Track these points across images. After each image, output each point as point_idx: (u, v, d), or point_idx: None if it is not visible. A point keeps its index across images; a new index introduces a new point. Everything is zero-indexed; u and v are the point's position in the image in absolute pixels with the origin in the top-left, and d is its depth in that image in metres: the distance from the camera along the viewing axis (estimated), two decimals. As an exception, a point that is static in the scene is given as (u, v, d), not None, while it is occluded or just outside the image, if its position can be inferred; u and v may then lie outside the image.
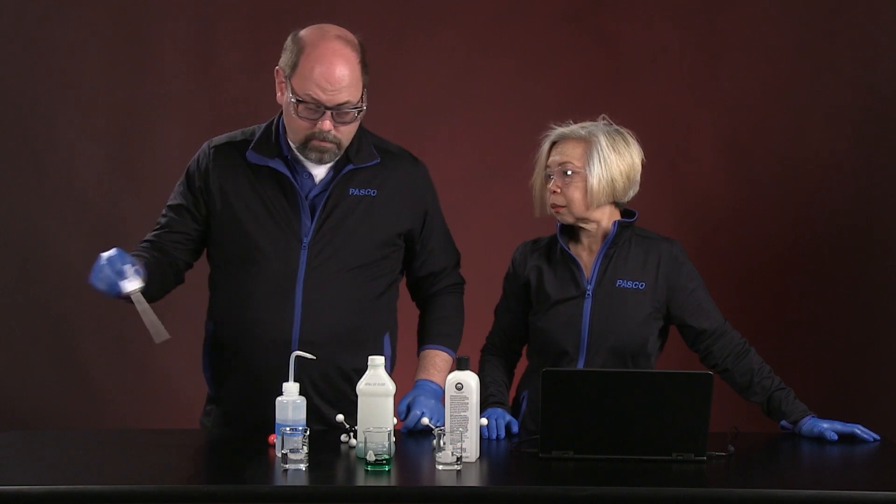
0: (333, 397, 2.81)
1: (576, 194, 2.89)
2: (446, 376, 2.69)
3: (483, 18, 4.57)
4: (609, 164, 2.88)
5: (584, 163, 2.89)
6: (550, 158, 2.93)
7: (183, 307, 4.55)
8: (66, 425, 4.44)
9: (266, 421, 2.62)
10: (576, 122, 2.96)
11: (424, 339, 3.01)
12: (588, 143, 2.90)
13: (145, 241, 2.94)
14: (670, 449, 2.52)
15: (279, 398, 2.57)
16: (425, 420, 2.75)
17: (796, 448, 2.75)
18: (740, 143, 4.50)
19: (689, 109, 4.50)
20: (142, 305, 2.65)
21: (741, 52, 4.49)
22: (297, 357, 2.62)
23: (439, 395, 2.88)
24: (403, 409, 2.82)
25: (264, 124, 2.93)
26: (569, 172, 2.88)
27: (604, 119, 2.95)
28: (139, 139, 4.61)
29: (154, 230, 2.96)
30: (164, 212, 2.99)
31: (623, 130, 2.94)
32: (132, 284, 2.66)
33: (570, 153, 2.90)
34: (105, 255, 2.65)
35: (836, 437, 2.75)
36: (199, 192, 2.90)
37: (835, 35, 4.43)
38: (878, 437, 2.77)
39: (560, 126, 2.96)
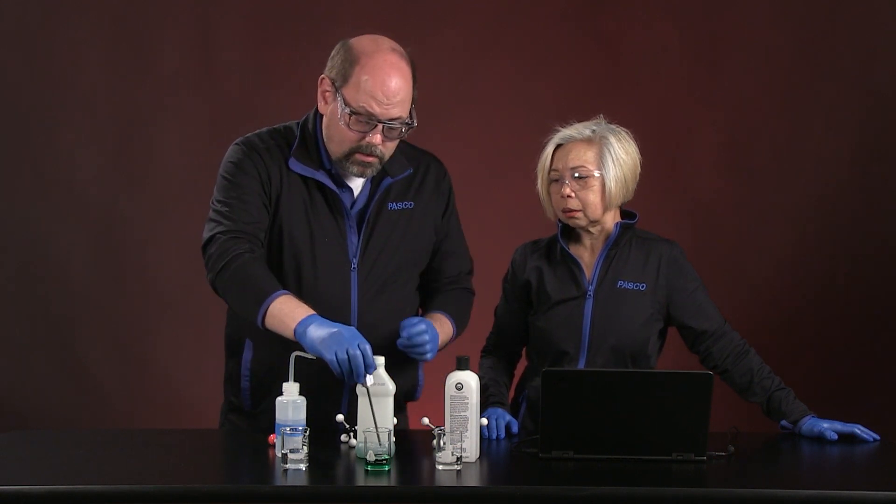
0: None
1: (591, 197, 2.87)
2: (445, 339, 2.74)
3: (483, 18, 4.57)
4: (622, 164, 2.89)
5: (599, 165, 2.87)
6: (557, 162, 2.89)
7: (183, 307, 4.57)
8: (66, 425, 4.44)
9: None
10: (576, 123, 2.94)
11: (428, 308, 2.90)
12: (598, 144, 2.88)
13: (242, 255, 2.68)
14: (670, 449, 2.52)
15: (279, 398, 2.57)
16: (425, 420, 2.74)
17: (796, 448, 2.75)
18: (740, 143, 4.51)
19: (689, 109, 4.50)
20: (370, 398, 2.54)
21: (741, 52, 4.50)
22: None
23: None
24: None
25: (296, 127, 2.83)
26: (580, 175, 2.86)
27: (604, 119, 2.95)
28: (139, 139, 4.61)
29: (230, 241, 2.71)
30: (224, 212, 2.74)
31: (622, 129, 2.94)
32: (371, 379, 2.54)
33: (582, 156, 2.87)
34: (359, 338, 2.53)
35: (836, 437, 2.75)
36: (262, 185, 2.75)
37: (835, 35, 4.44)
38: (878, 437, 2.76)
39: (563, 127, 2.93)
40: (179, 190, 4.56)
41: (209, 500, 2.28)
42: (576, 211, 2.87)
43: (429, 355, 2.72)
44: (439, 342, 2.79)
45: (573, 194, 2.86)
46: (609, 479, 2.39)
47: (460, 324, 2.91)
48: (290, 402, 2.56)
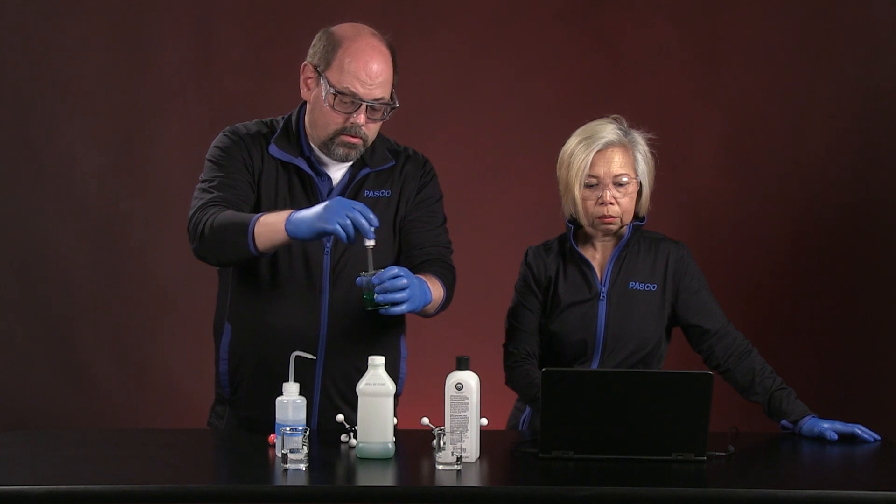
0: (355, 399, 2.74)
1: (628, 203, 2.87)
2: (437, 298, 2.73)
3: (483, 18, 4.57)
4: (651, 166, 2.90)
5: (635, 170, 2.88)
6: (598, 168, 2.85)
7: (183, 307, 4.57)
8: (66, 425, 4.44)
9: None
10: (580, 123, 2.93)
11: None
12: (631, 148, 2.88)
13: (214, 212, 2.72)
14: (670, 449, 2.52)
15: (279, 398, 2.57)
16: (425, 420, 2.74)
17: (796, 448, 2.75)
18: (740, 142, 4.51)
19: (689, 109, 4.50)
20: (369, 252, 2.61)
21: (741, 52, 4.50)
22: (313, 360, 2.63)
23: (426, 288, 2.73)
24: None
25: (282, 118, 2.91)
26: (622, 183, 2.85)
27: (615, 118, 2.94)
28: (139, 139, 4.61)
29: (207, 205, 2.76)
30: (207, 188, 2.80)
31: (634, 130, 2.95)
32: (372, 242, 2.60)
33: (623, 161, 2.86)
34: (348, 202, 2.58)
35: (836, 437, 2.75)
36: (247, 166, 2.83)
37: (835, 35, 4.44)
38: (878, 437, 2.76)
39: (601, 132, 2.87)
40: (179, 190, 4.54)
41: (209, 500, 2.28)
42: (615, 218, 2.86)
43: (405, 305, 2.64)
44: (432, 299, 2.75)
45: (614, 201, 2.85)
46: (609, 479, 2.39)
47: (449, 289, 2.86)
48: (290, 402, 2.57)
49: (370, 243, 2.60)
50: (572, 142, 2.90)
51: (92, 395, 4.59)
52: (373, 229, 2.59)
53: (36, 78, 4.60)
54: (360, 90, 2.74)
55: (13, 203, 4.61)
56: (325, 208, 2.59)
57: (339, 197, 2.65)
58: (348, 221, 2.56)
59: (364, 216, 2.57)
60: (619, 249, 2.92)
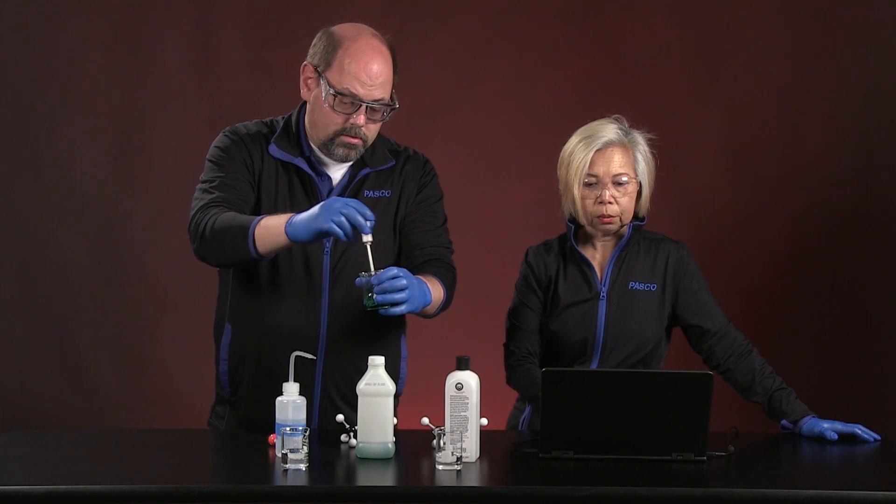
0: (355, 399, 2.75)
1: (628, 203, 2.87)
2: (437, 298, 2.73)
3: (483, 18, 4.57)
4: (651, 166, 2.90)
5: (635, 170, 2.88)
6: (597, 167, 2.86)
7: (183, 307, 4.58)
8: (66, 425, 4.44)
9: None
10: (580, 123, 2.93)
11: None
12: (632, 148, 2.88)
13: (215, 213, 2.72)
14: (670, 449, 2.52)
15: (279, 398, 2.57)
16: (425, 420, 2.74)
17: (796, 448, 2.75)
18: (740, 143, 4.51)
19: (689, 109, 4.50)
20: (369, 248, 2.60)
21: (741, 52, 4.50)
22: (313, 360, 2.65)
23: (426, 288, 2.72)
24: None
25: (282, 118, 2.91)
26: (621, 182, 2.85)
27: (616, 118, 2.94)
28: (139, 139, 4.62)
29: (209, 206, 2.76)
30: (208, 188, 2.80)
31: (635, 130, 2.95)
32: (370, 237, 2.59)
33: (622, 161, 2.86)
34: (342, 199, 2.58)
35: (836, 437, 2.75)
36: (247, 166, 2.83)
37: (835, 35, 4.44)
38: (878, 437, 2.76)
39: (601, 132, 2.88)
40: (179, 190, 4.54)
41: (209, 500, 2.28)
42: (613, 217, 2.87)
43: (405, 306, 2.63)
44: (432, 299, 2.74)
45: (613, 201, 2.86)
46: (609, 479, 2.39)
47: (449, 290, 2.86)
48: (290, 402, 2.57)
49: (367, 239, 2.60)
50: (573, 141, 2.91)
51: (92, 395, 4.59)
52: (370, 224, 2.58)
53: (36, 78, 4.61)
54: (360, 91, 2.74)
55: (13, 203, 4.62)
56: (321, 208, 2.59)
57: (334, 197, 2.65)
58: (343, 219, 2.56)
59: (359, 212, 2.58)
60: (619, 249, 2.92)
